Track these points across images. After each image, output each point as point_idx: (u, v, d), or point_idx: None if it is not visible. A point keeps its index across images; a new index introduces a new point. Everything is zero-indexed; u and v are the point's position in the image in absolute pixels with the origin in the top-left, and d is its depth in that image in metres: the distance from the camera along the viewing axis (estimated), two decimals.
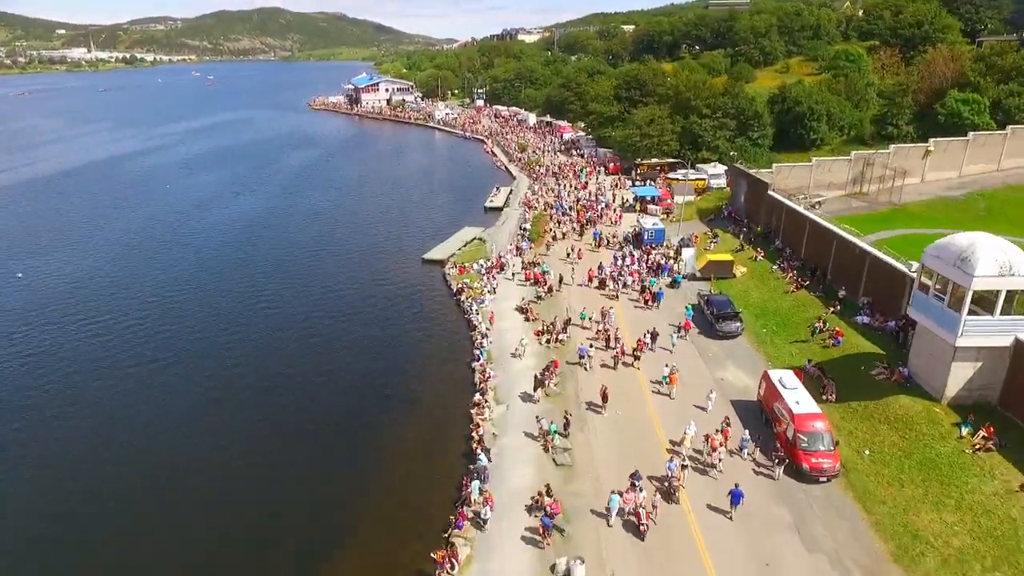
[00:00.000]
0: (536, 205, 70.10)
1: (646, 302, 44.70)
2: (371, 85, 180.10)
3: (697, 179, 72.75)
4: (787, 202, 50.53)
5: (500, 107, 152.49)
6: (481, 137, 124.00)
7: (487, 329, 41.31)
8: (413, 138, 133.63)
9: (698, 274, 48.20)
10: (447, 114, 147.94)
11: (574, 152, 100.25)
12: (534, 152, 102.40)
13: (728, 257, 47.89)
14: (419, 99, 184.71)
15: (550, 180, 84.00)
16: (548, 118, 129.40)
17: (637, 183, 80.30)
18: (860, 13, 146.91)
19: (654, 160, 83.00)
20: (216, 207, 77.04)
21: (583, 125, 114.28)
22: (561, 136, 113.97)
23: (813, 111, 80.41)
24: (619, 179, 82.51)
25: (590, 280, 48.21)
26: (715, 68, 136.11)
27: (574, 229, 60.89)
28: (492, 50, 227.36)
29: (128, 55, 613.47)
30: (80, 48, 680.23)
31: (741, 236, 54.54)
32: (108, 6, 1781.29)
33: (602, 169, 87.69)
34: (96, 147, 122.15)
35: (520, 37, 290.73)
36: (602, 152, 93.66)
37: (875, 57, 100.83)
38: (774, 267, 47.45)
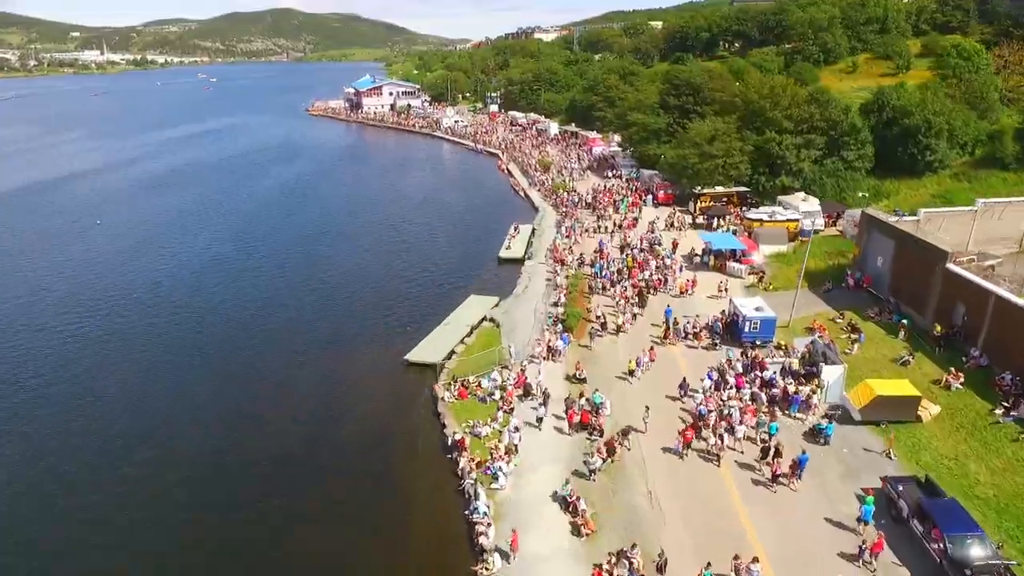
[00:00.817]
0: (569, 260, 50.57)
1: (775, 477, 25.31)
2: (373, 88, 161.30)
3: (789, 220, 52.91)
4: (995, 288, 30.67)
5: (517, 113, 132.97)
6: (495, 151, 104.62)
7: (505, 556, 22.09)
8: (416, 150, 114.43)
9: (856, 415, 28.51)
10: (456, 122, 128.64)
11: (609, 173, 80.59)
12: (559, 173, 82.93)
13: (912, 391, 27.99)
14: (426, 104, 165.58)
15: (584, 214, 64.46)
16: (573, 128, 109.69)
17: (698, 219, 60.53)
18: (933, 4, 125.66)
19: (718, 189, 63.22)
20: (146, 256, 57.78)
21: (618, 139, 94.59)
22: (590, 150, 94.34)
23: (930, 124, 60.09)
24: (674, 213, 62.71)
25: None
26: (767, 68, 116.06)
27: (630, 303, 41.23)
28: (507, 49, 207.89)
29: (139, 57, 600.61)
30: (94, 51, 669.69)
31: (901, 332, 34.71)
32: (124, 9, 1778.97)
33: (649, 199, 67.91)
34: (48, 163, 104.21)
35: (536, 36, 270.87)
36: (646, 175, 73.87)
37: (995, 53, 79.99)
38: (994, 410, 27.75)
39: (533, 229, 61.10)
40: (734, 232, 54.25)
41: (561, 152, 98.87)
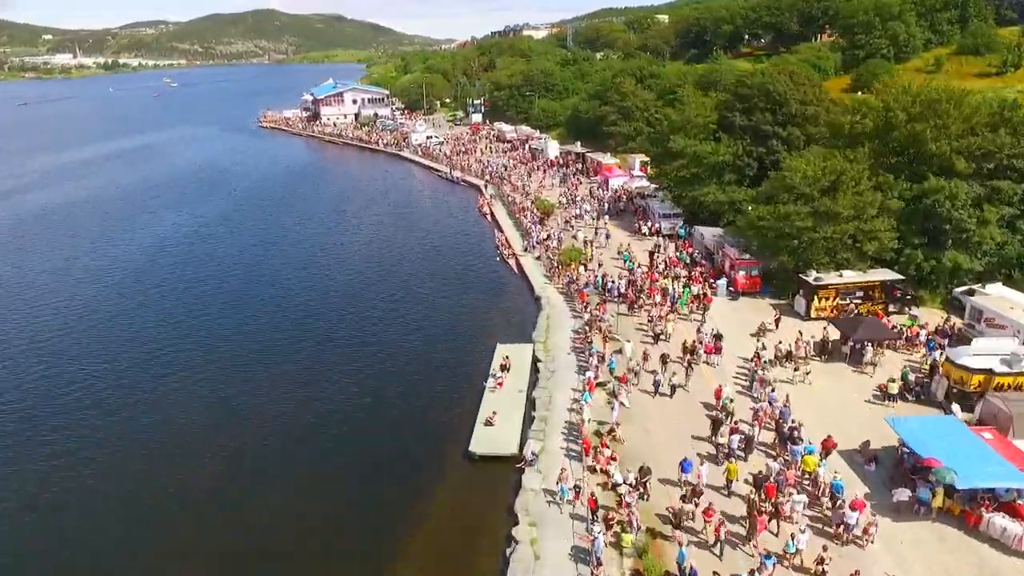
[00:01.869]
0: (614, 477, 23.55)
1: None
2: (333, 95, 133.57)
3: None
4: None
5: (504, 126, 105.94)
6: (476, 180, 77.60)
7: None
8: (373, 180, 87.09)
9: None
10: (428, 138, 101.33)
11: (642, 227, 53.66)
12: (567, 225, 56.07)
13: None
14: (397, 113, 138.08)
15: (614, 310, 37.45)
16: (578, 148, 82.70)
17: (829, 338, 33.77)
18: None
19: (848, 276, 36.87)
20: None
21: (640, 161, 68.22)
22: (605, 183, 67.61)
23: None
24: (777, 318, 35.97)
25: None
26: (821, 67, 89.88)
27: None
28: (494, 48, 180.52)
29: (110, 61, 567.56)
30: (66, 54, 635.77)
31: None
32: (102, 11, 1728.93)
33: (721, 284, 40.93)
34: None
35: (526, 34, 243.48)
36: (706, 236, 46.93)
37: None
38: None
39: (536, 362, 34.13)
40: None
41: (564, 185, 71.98)
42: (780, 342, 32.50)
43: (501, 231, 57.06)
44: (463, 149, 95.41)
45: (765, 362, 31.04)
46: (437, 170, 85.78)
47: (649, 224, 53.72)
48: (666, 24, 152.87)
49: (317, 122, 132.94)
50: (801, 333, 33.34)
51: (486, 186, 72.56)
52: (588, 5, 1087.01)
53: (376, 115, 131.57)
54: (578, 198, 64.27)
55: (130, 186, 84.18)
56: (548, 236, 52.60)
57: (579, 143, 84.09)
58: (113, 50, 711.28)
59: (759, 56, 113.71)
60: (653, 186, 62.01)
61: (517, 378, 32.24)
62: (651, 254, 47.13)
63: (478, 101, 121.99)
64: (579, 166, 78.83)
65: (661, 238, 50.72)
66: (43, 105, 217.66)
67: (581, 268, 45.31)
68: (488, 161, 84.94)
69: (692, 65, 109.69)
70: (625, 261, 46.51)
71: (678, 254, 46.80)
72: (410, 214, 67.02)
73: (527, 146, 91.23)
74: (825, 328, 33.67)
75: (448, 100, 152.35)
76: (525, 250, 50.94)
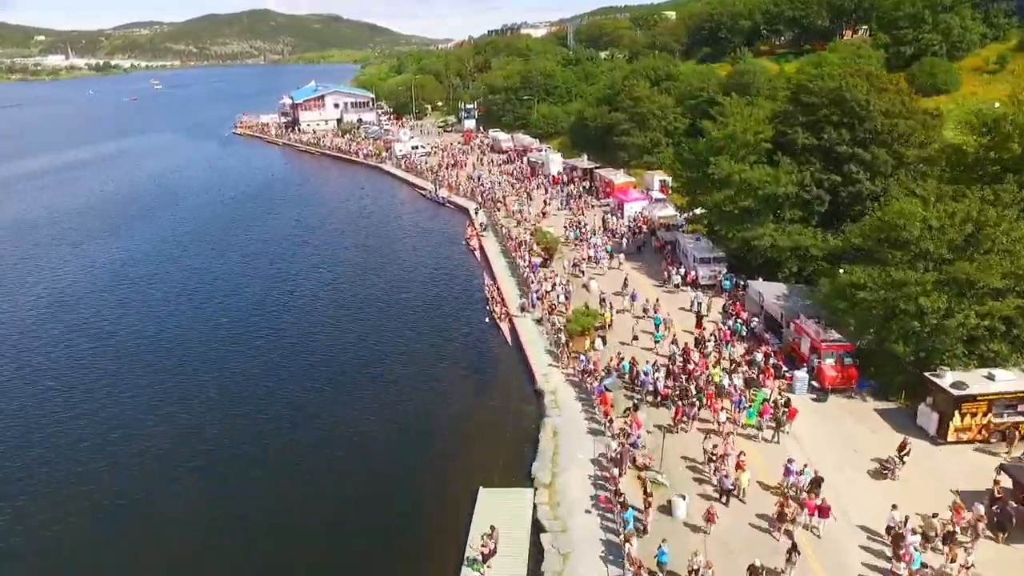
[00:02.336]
0: None
1: None
2: (313, 99, 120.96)
3: None
4: None
5: (499, 134, 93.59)
6: (464, 201, 65.24)
7: None
8: (347, 200, 74.56)
9: None
10: (414, 148, 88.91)
11: (672, 273, 41.22)
12: (575, 269, 43.87)
13: None
14: (384, 118, 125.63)
15: (681, 507, 25.02)
16: (585, 162, 70.30)
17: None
18: None
19: (1003, 382, 24.54)
20: None
21: (659, 182, 56.28)
22: (620, 209, 55.45)
23: None
24: (905, 451, 23.63)
25: None
26: (866, 64, 77.47)
27: None
28: (490, 48, 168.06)
29: (102, 62, 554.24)
30: (59, 55, 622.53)
31: None
32: (98, 12, 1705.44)
33: (802, 380, 28.49)
34: None
35: (524, 32, 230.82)
36: (772, 299, 34.26)
37: None
38: None
39: (538, 526, 21.84)
40: None
41: (568, 208, 59.73)
42: (935, 514, 20.07)
43: (492, 278, 44.69)
44: (452, 161, 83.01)
45: (912, 546, 18.78)
46: (421, 188, 73.34)
47: (681, 270, 41.37)
48: (675, 21, 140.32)
49: (296, 129, 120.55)
50: (959, 497, 21.00)
51: (477, 210, 60.20)
52: (589, 3, 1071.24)
53: (360, 121, 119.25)
54: (586, 227, 51.91)
55: (49, 211, 71.59)
56: (552, 287, 40.34)
57: (585, 156, 71.76)
58: (107, 51, 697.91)
59: (783, 55, 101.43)
60: (680, 215, 49.69)
61: (510, 563, 20.02)
62: (697, 321, 34.84)
63: (471, 106, 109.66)
64: (586, 184, 66.52)
65: (700, 292, 38.39)
66: (4, 110, 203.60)
67: (598, 341, 33.08)
68: (480, 177, 72.53)
69: (707, 65, 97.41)
70: (656, 325, 34.27)
71: (730, 323, 34.42)
72: (380, 249, 54.44)
73: (525, 158, 78.87)
74: (997, 479, 21.32)
75: (440, 104, 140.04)
76: (522, 309, 38.56)
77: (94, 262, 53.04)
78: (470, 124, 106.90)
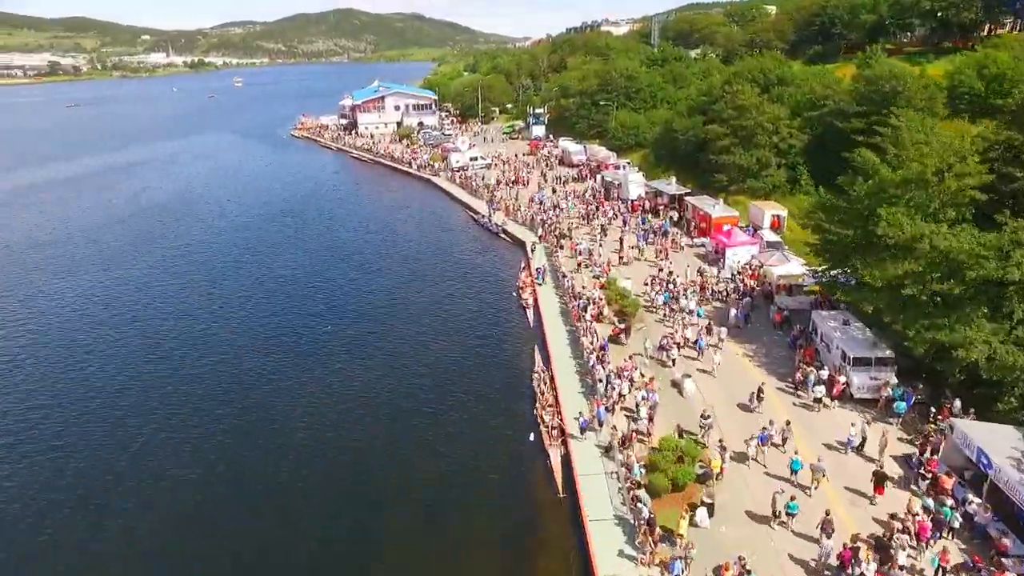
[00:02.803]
0: None
1: None
2: (373, 100, 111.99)
3: None
4: None
5: (570, 145, 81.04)
6: (522, 234, 53.11)
7: None
8: (386, 222, 63.62)
9: None
10: (472, 160, 77.69)
11: (810, 372, 27.44)
12: (664, 355, 30.96)
13: None
14: (447, 122, 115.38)
15: None
16: (673, 186, 56.56)
17: None
18: None
19: None
20: None
21: (771, 219, 42.51)
22: (720, 253, 42.16)
23: None
24: None
25: None
26: None
27: None
28: (567, 46, 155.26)
29: (196, 60, 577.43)
30: (160, 53, 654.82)
31: None
32: (198, 12, 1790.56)
33: None
34: None
35: (604, 30, 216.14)
36: (1008, 466, 20.18)
37: None
38: None
39: None
40: None
41: (652, 247, 46.56)
42: None
43: (546, 359, 32.40)
44: (514, 177, 71.12)
45: None
46: (475, 211, 61.77)
47: (823, 372, 27.68)
48: (778, 15, 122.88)
49: (353, 132, 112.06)
50: None
51: (533, 247, 48.04)
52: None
53: (420, 125, 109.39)
54: (677, 283, 38.72)
55: (67, 224, 64.48)
56: (629, 388, 27.74)
57: (674, 178, 58.07)
58: (203, 49, 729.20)
59: (917, 54, 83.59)
60: (807, 271, 35.68)
61: None
62: (876, 482, 21.46)
63: (540, 110, 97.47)
64: (673, 214, 53.05)
65: (863, 418, 24.81)
66: (91, 107, 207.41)
67: (700, 512, 20.34)
68: (542, 200, 60.18)
69: (821, 66, 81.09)
70: (794, 470, 21.39)
71: (929, 501, 20.69)
72: (408, 300, 42.97)
73: (599, 176, 65.95)
74: None
75: (509, 106, 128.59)
76: (583, 428, 25.98)
77: (99, 288, 44.47)
78: (539, 131, 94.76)
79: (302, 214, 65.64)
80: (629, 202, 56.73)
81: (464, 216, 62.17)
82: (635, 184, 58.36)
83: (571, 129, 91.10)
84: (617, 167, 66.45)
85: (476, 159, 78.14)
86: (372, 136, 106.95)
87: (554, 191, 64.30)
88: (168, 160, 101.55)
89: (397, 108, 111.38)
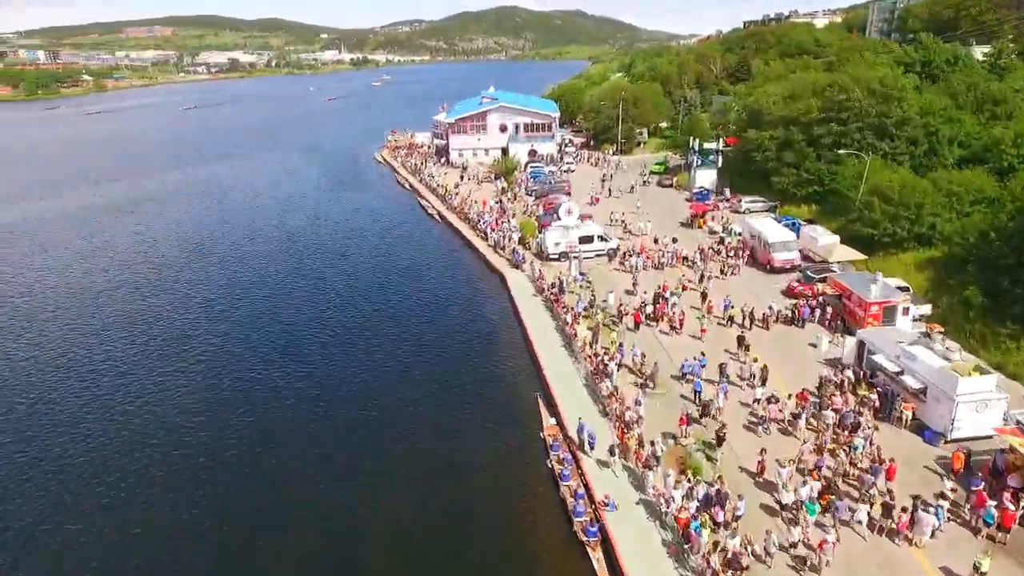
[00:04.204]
0: None
1: None
2: (472, 116, 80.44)
3: None
4: None
5: (769, 222, 43.66)
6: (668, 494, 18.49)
7: None
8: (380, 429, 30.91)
9: None
10: (582, 242, 43.24)
11: None
12: None
13: None
14: (570, 149, 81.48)
15: None
16: None
17: None
18: None
19: None
20: None
21: None
22: None
23: None
24: None
25: None
26: None
27: None
28: (749, 43, 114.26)
29: (360, 57, 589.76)
30: (332, 51, 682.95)
31: None
32: (373, 12, 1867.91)
33: None
34: None
35: (792, 21, 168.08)
36: None
37: None
38: None
39: None
40: None
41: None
42: None
43: None
44: (662, 290, 35.89)
45: None
46: (562, 424, 27.27)
47: None
48: None
49: (444, 158, 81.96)
50: None
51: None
52: None
53: (532, 154, 76.78)
54: None
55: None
56: None
57: None
58: (371, 47, 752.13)
59: None
60: None
61: None
62: None
63: (713, 144, 60.03)
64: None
65: None
66: (206, 110, 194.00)
67: None
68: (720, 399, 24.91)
69: None
70: None
71: None
72: None
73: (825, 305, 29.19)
74: None
75: (664, 126, 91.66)
76: None
77: None
78: (706, 180, 58.23)
79: (280, 348, 35.47)
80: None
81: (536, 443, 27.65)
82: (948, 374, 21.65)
83: (762, 180, 53.72)
84: (894, 290, 29.32)
85: (592, 238, 43.71)
86: (465, 167, 75.78)
87: (744, 361, 28.58)
88: (188, 191, 77.46)
89: (503, 129, 79.22)
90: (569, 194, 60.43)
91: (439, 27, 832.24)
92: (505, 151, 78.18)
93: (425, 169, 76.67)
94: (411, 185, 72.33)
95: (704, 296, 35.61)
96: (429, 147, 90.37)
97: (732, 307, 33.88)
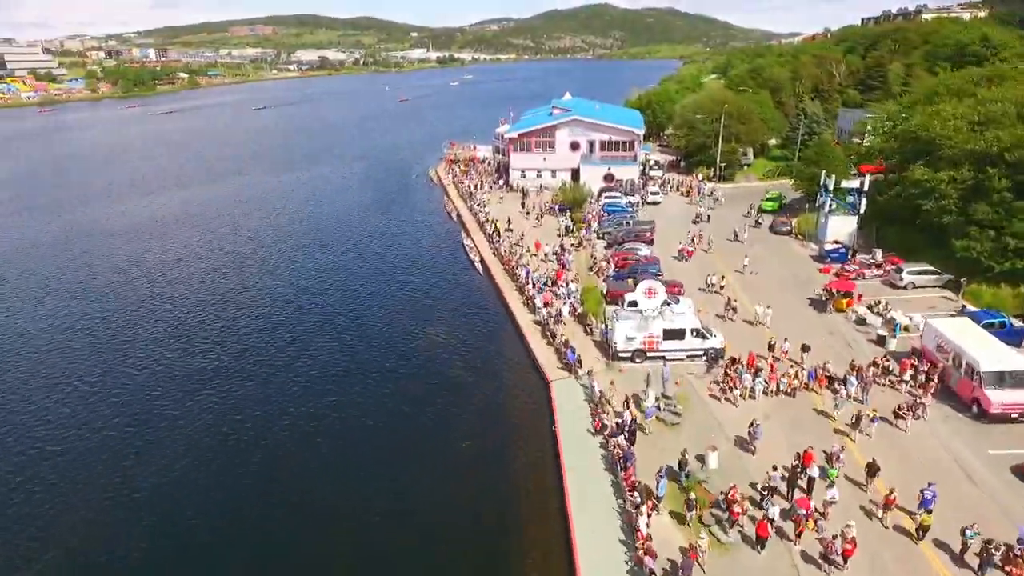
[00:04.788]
0: None
1: None
2: (538, 131, 66.93)
3: None
4: None
5: (926, 279, 27.89)
6: None
7: None
8: None
9: None
10: (668, 337, 29.31)
11: None
12: None
13: None
14: (659, 171, 66.77)
15: None
16: None
17: None
18: None
19: None
20: None
21: None
22: None
23: None
24: None
25: None
26: None
27: None
28: (887, 41, 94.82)
29: (446, 56, 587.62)
30: (421, 49, 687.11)
31: None
32: (463, 11, 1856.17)
33: None
34: None
35: (924, 17, 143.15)
36: None
37: None
38: None
39: None
40: None
41: None
42: None
43: None
44: (799, 469, 21.44)
45: None
46: None
47: None
48: None
49: (503, 179, 69.20)
50: None
51: None
52: None
53: (608, 179, 62.77)
54: None
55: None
56: None
57: None
58: (459, 45, 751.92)
59: None
60: None
61: None
62: None
63: (852, 184, 43.73)
64: None
65: None
66: (277, 110, 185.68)
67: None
68: None
69: None
70: None
71: None
72: None
73: None
74: None
75: (774, 142, 74.98)
76: None
77: None
78: (841, 231, 42.45)
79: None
80: None
81: None
82: None
83: (930, 239, 37.44)
84: None
85: (681, 333, 29.47)
86: (525, 192, 62.63)
87: None
88: (202, 212, 68.26)
89: (574, 147, 65.27)
90: (651, 242, 46.12)
91: (527, 25, 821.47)
92: (576, 174, 64.35)
93: (479, 193, 63.99)
94: (458, 215, 59.73)
95: (871, 470, 20.93)
96: (490, 164, 77.83)
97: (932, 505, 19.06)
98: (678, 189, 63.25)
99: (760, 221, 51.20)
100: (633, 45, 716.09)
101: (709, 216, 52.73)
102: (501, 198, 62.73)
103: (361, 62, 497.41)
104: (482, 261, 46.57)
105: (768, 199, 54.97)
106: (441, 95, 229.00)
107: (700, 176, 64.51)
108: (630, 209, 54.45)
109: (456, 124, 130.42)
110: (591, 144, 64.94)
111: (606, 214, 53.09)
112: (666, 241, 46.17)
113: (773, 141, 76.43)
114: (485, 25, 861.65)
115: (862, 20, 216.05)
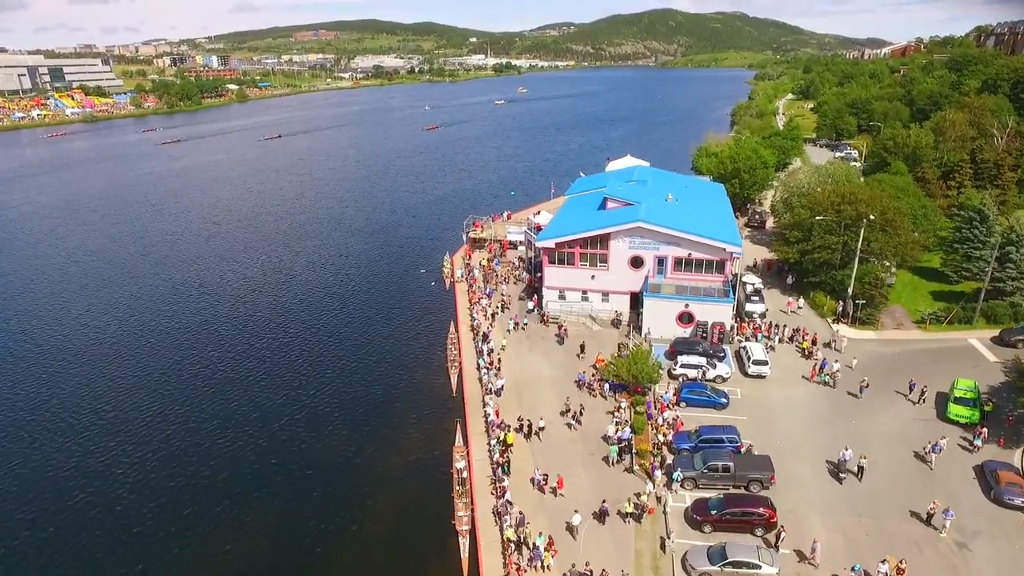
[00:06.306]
0: None
1: None
2: (582, 241, 46.64)
3: None
4: None
5: None
6: None
7: None
8: None
9: None
10: None
11: None
12: None
13: None
14: (759, 302, 44.95)
15: None
16: None
17: None
18: None
19: None
20: None
21: None
22: None
23: None
24: None
25: None
26: None
27: None
28: None
29: (503, 63, 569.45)
30: (480, 55, 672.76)
31: None
32: (524, 13, 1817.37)
33: None
34: None
35: None
36: None
37: None
38: None
39: None
40: None
41: None
42: None
43: None
44: None
45: None
46: None
47: None
48: None
49: (535, 300, 49.12)
50: None
51: None
52: None
53: (686, 322, 41.86)
54: None
55: None
56: None
57: None
58: (518, 51, 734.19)
59: None
60: None
61: None
62: None
63: None
64: None
65: None
66: (291, 140, 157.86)
67: None
68: None
69: None
70: None
71: None
72: None
73: None
74: None
75: (941, 234, 51.85)
76: None
77: None
78: None
79: None
80: None
81: None
82: None
83: None
84: None
85: None
86: (564, 329, 42.64)
87: None
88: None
89: (636, 264, 44.63)
90: (773, 525, 25.21)
91: (588, 30, 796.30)
92: (637, 301, 43.75)
93: (496, 332, 44.17)
94: (463, 390, 39.79)
95: None
96: (523, 261, 57.86)
97: None
98: (791, 339, 41.63)
99: (937, 446, 29.22)
100: (698, 51, 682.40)
101: (857, 402, 31.02)
102: (529, 347, 42.53)
103: (416, 70, 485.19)
104: (471, 533, 26.56)
105: (965, 389, 32.71)
106: (479, 121, 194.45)
107: (831, 321, 42.70)
108: (718, 394, 33.32)
109: (490, 173, 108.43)
110: (666, 260, 44.10)
111: (683, 402, 32.10)
112: (794, 493, 24.91)
113: (917, 234, 53.47)
114: (545, 31, 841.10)
115: (978, 35, 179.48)
